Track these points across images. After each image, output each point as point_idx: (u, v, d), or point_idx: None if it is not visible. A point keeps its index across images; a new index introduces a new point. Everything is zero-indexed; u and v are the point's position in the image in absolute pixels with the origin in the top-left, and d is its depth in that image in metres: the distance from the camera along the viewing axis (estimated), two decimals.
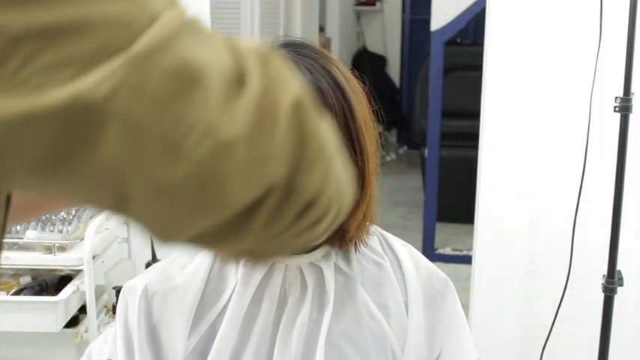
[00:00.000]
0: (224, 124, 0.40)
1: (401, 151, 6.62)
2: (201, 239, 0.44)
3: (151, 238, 0.45)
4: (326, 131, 0.46)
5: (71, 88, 0.36)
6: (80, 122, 0.37)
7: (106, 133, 0.37)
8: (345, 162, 0.49)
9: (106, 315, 2.13)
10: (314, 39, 4.55)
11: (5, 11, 0.35)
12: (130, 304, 0.97)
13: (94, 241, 2.00)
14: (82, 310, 2.06)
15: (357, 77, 0.91)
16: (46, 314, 1.93)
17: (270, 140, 0.42)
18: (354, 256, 0.99)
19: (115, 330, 0.98)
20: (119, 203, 0.41)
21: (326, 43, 5.30)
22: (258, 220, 0.43)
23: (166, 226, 0.43)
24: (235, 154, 0.40)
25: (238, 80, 0.42)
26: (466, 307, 1.65)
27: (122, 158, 0.38)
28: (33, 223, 2.04)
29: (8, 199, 0.49)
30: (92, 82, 0.37)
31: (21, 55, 0.36)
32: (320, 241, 0.50)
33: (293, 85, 0.44)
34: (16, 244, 2.01)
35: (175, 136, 0.39)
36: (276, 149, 0.42)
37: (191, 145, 0.39)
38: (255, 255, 0.51)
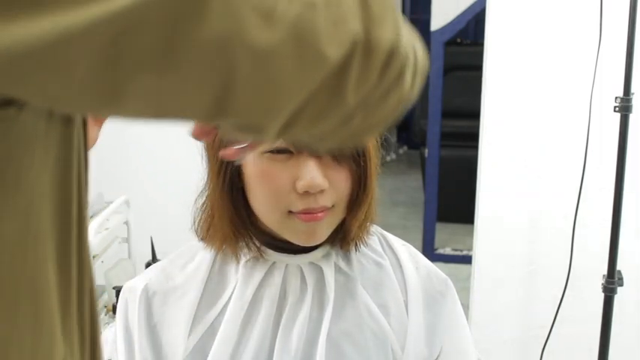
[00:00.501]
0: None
1: (401, 151, 6.62)
2: (302, 118, 0.46)
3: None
4: None
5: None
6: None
7: (209, 7, 0.39)
8: (408, 28, 0.52)
9: (106, 315, 2.13)
10: None
11: None
12: (130, 304, 0.97)
13: (94, 241, 2.00)
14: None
15: None
16: None
17: (340, 2, 0.44)
18: (354, 255, 0.99)
19: (115, 330, 0.98)
20: (225, 87, 0.42)
21: None
22: (351, 78, 0.45)
23: (269, 101, 0.44)
24: (319, 13, 0.43)
25: None
26: (466, 307, 1.65)
27: (226, 31, 0.40)
28: None
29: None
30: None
31: None
32: (407, 103, 0.52)
33: None
34: None
35: (269, 1, 0.41)
36: (347, 7, 0.45)
37: (283, 7, 0.41)
38: (354, 135, 0.52)
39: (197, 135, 0.80)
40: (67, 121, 0.48)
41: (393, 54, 0.47)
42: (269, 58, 0.42)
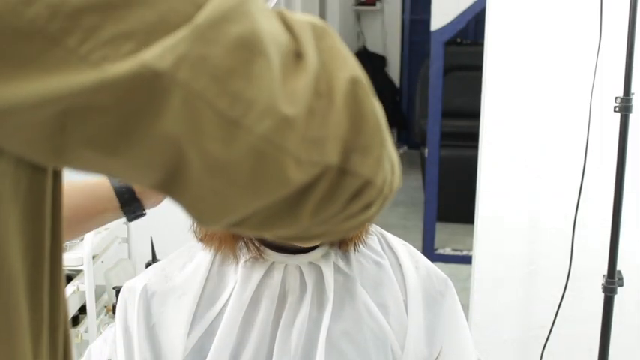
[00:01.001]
0: (284, 101, 0.39)
1: (401, 151, 6.61)
2: (249, 223, 0.43)
3: (191, 220, 0.45)
4: (380, 109, 0.44)
5: (135, 60, 0.36)
6: (144, 92, 0.37)
7: (169, 105, 0.37)
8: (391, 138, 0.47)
9: (106, 315, 2.13)
10: None
11: None
12: (129, 304, 0.97)
13: (94, 241, 2.00)
14: (82, 310, 2.06)
15: None
16: None
17: (325, 121, 0.40)
18: (353, 255, 0.99)
19: (114, 330, 0.98)
20: (171, 179, 0.40)
21: None
22: (310, 202, 0.42)
23: (216, 205, 0.41)
24: (293, 133, 0.39)
25: (295, 55, 0.41)
26: (466, 307, 1.65)
27: (182, 131, 0.38)
28: None
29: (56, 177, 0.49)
30: (156, 53, 0.36)
31: (81, 29, 0.36)
32: (368, 224, 0.49)
33: (349, 61, 0.43)
34: None
35: (236, 111, 0.38)
36: (332, 130, 0.41)
37: (251, 121, 0.38)
38: (301, 239, 0.49)
39: None
40: (38, 167, 0.46)
41: (365, 188, 0.43)
42: (223, 170, 0.39)
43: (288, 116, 0.39)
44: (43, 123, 0.37)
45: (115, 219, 0.86)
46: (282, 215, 0.43)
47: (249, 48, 0.38)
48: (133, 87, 0.36)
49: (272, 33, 0.40)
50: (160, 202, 0.87)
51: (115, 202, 0.84)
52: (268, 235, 0.49)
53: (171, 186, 0.41)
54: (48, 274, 0.48)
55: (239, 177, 0.40)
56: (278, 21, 0.41)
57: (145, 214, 0.87)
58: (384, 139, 0.44)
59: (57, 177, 0.49)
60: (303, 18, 0.44)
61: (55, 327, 0.50)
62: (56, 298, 0.49)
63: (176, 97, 0.37)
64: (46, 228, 0.47)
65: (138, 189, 0.84)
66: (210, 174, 0.39)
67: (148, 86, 0.36)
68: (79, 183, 0.85)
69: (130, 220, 0.86)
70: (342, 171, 0.41)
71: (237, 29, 0.38)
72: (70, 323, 0.53)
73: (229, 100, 0.38)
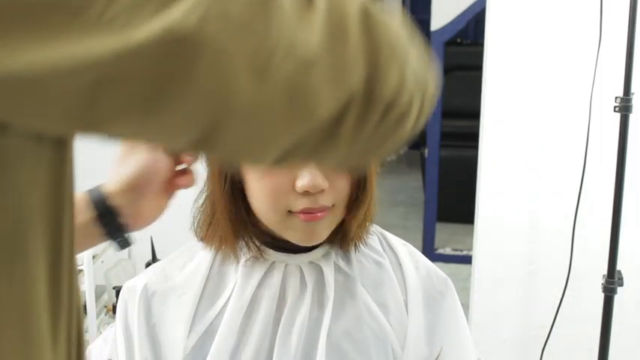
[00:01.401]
0: (303, 40, 0.41)
1: (401, 151, 6.62)
2: (293, 157, 0.45)
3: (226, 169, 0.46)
4: (397, 28, 0.47)
5: (159, 23, 0.37)
6: (175, 53, 0.38)
7: (198, 63, 0.38)
8: (420, 51, 0.49)
9: (106, 315, 2.13)
10: None
11: None
12: (129, 304, 0.97)
13: None
14: (82, 310, 2.06)
15: None
16: None
17: (343, 51, 0.43)
18: (353, 255, 0.99)
19: (114, 330, 0.98)
20: (207, 136, 0.41)
21: None
22: (345, 128, 0.44)
23: (256, 146, 0.44)
24: (316, 67, 0.42)
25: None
26: (466, 307, 1.65)
27: (213, 86, 0.39)
28: None
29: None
30: (180, 13, 0.37)
31: None
32: (409, 136, 0.51)
33: None
34: None
35: (261, 57, 0.40)
36: (351, 57, 0.43)
37: (276, 64, 0.40)
38: (350, 163, 0.52)
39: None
40: (60, 142, 0.47)
41: (394, 103, 0.46)
42: (257, 113, 0.41)
43: (308, 54, 0.41)
44: (76, 93, 0.37)
45: (94, 237, 0.79)
46: (322, 145, 0.45)
47: None
48: (161, 50, 0.37)
49: None
50: (142, 216, 0.82)
51: (92, 211, 0.78)
52: (318, 164, 0.49)
53: (208, 143, 0.42)
54: (68, 259, 0.49)
55: (272, 118, 0.42)
56: None
57: (128, 237, 0.80)
58: (405, 58, 0.47)
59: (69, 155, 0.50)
60: None
61: (71, 312, 0.50)
62: (72, 284, 0.50)
63: (204, 55, 0.38)
64: (67, 210, 0.48)
65: (113, 195, 0.79)
66: (244, 121, 0.41)
67: (176, 48, 0.37)
68: None
69: (112, 237, 0.80)
70: (367, 94, 0.44)
71: None
72: (82, 311, 0.54)
73: (254, 46, 0.40)
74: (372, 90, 0.44)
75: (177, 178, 0.81)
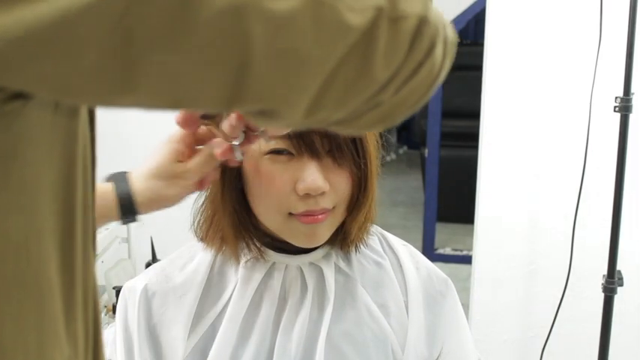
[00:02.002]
0: None
1: (401, 151, 6.62)
2: (330, 92, 0.43)
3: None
4: None
5: None
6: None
7: None
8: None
9: (106, 315, 2.13)
10: None
11: None
12: (129, 304, 0.97)
13: None
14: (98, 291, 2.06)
15: None
16: None
17: None
18: (354, 256, 0.99)
19: (114, 330, 0.98)
20: (243, 63, 0.39)
21: None
22: (378, 48, 0.43)
23: (292, 72, 0.41)
24: None
25: None
26: (466, 307, 1.65)
27: (240, 6, 0.38)
28: None
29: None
30: None
31: None
32: (438, 82, 0.49)
33: None
34: None
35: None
36: None
37: None
38: (384, 116, 0.49)
39: (181, 123, 0.80)
40: (73, 114, 0.46)
41: (422, 23, 0.45)
42: (287, 26, 0.40)
43: None
44: (107, 30, 0.35)
45: (107, 221, 0.86)
46: (357, 72, 0.43)
47: None
48: None
49: None
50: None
51: (116, 211, 0.84)
52: (347, 115, 0.47)
53: (240, 91, 0.40)
54: (81, 237, 0.49)
55: (304, 31, 0.40)
56: None
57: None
58: None
59: (91, 131, 0.49)
60: None
61: (87, 291, 0.50)
62: (88, 263, 0.50)
63: None
64: (79, 189, 0.48)
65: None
66: (277, 37, 0.39)
67: None
68: None
69: (124, 221, 0.86)
70: (394, 10, 0.43)
71: None
72: (98, 290, 0.54)
73: None
74: (397, 8, 0.43)
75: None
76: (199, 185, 0.86)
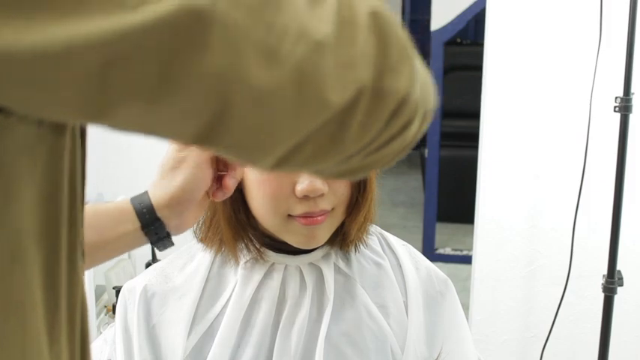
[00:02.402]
0: (314, 26, 0.41)
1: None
2: (300, 156, 0.44)
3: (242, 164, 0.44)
4: (405, 36, 0.47)
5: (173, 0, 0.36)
6: (186, 31, 0.37)
7: (211, 40, 0.37)
8: (423, 64, 0.49)
9: (106, 315, 2.13)
10: None
11: None
12: (129, 304, 0.97)
13: None
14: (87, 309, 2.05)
15: None
16: None
17: (353, 44, 0.42)
18: (353, 256, 0.99)
19: (114, 330, 0.98)
20: (217, 122, 0.40)
21: None
22: (354, 124, 0.43)
23: (264, 139, 0.42)
24: (327, 56, 0.41)
25: None
26: (466, 307, 1.65)
27: (225, 65, 0.38)
28: None
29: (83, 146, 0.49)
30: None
31: None
32: (409, 149, 0.51)
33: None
34: None
35: (272, 40, 0.39)
36: (361, 52, 0.43)
37: (287, 48, 0.40)
38: (351, 172, 0.50)
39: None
40: (59, 130, 0.45)
41: (403, 104, 0.45)
42: (267, 99, 0.40)
43: (319, 40, 0.41)
44: (87, 74, 0.36)
45: (139, 243, 0.84)
46: (329, 142, 0.44)
47: None
48: (175, 27, 0.36)
49: None
50: (185, 226, 0.85)
51: (136, 222, 0.82)
52: (321, 170, 0.49)
53: (217, 130, 0.41)
54: (66, 257, 0.48)
55: (282, 104, 0.41)
56: None
57: (171, 240, 0.84)
58: (412, 60, 0.46)
59: (82, 146, 0.49)
60: None
61: (73, 310, 0.49)
62: (74, 281, 0.49)
63: (217, 32, 0.38)
64: (64, 206, 0.47)
65: (158, 208, 0.82)
66: (255, 106, 0.40)
67: (190, 24, 0.37)
68: (99, 206, 0.84)
69: (156, 244, 0.84)
70: (377, 89, 0.44)
71: None
72: (87, 307, 0.53)
73: (265, 28, 0.39)
74: (381, 87, 0.44)
75: (217, 188, 0.84)
76: (219, 190, 0.84)
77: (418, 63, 0.48)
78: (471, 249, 2.52)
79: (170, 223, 0.82)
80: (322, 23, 0.41)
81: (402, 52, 0.45)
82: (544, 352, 2.03)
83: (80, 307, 0.51)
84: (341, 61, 0.42)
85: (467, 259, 3.28)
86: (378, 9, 0.44)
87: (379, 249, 1.02)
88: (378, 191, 0.96)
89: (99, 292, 2.12)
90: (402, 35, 0.46)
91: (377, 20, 0.44)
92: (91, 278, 1.96)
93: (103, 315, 2.12)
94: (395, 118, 0.45)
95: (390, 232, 1.08)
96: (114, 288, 2.04)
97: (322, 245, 0.95)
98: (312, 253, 0.96)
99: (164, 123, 0.41)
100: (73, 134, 0.48)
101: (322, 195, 0.87)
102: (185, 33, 0.37)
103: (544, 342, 2.02)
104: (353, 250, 0.98)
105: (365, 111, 0.43)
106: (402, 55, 0.45)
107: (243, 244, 0.94)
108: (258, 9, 0.39)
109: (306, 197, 0.87)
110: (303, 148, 0.44)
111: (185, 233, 1.00)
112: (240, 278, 0.95)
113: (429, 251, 3.86)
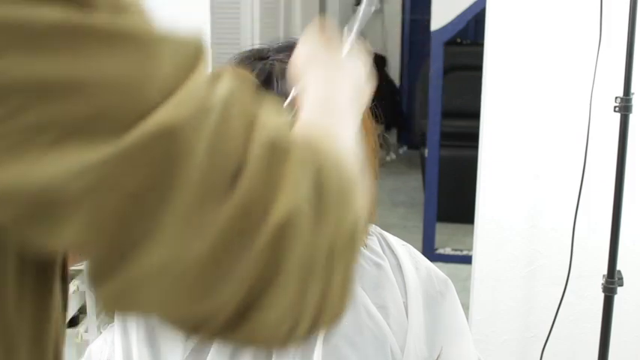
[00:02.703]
0: (185, 241, 0.35)
1: (401, 151, 6.61)
2: (204, 328, 0.41)
3: None
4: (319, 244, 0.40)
5: (48, 165, 0.33)
6: (42, 210, 0.34)
7: (69, 222, 0.34)
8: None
9: (106, 315, 2.13)
10: None
11: (4, 56, 0.32)
12: None
13: None
14: (82, 310, 2.06)
15: None
16: None
17: (236, 265, 0.36)
18: None
19: (113, 331, 0.98)
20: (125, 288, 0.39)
21: None
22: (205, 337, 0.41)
23: (175, 303, 0.39)
24: (188, 274, 0.36)
25: (233, 176, 0.36)
26: (466, 307, 1.64)
27: (85, 236, 0.35)
28: None
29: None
30: (64, 169, 0.33)
31: (7, 106, 0.32)
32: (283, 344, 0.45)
33: (293, 191, 0.37)
34: None
35: (128, 241, 0.35)
36: (239, 274, 0.36)
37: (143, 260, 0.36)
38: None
39: None
40: (47, 268, 0.44)
41: (260, 343, 0.43)
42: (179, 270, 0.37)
43: (184, 264, 0.35)
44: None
45: None
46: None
47: (164, 177, 0.34)
48: (31, 202, 0.35)
49: (214, 151, 0.35)
50: None
51: None
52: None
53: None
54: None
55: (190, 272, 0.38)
56: (242, 130, 0.37)
57: None
58: (304, 291, 0.39)
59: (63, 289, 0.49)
60: (275, 123, 0.39)
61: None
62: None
63: (78, 216, 0.35)
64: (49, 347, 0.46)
65: None
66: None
67: (45, 202, 0.35)
68: None
69: None
70: (234, 323, 0.39)
71: (161, 150, 0.34)
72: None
73: (127, 230, 0.35)
74: (239, 322, 0.39)
75: None
76: None
77: (313, 295, 0.40)
78: (470, 249, 2.52)
79: None
80: (201, 236, 0.36)
81: (287, 285, 0.39)
82: (544, 352, 2.03)
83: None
84: (207, 279, 0.37)
85: (467, 259, 3.28)
86: (297, 212, 0.38)
87: (379, 249, 1.02)
88: (378, 191, 0.96)
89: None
90: (306, 257, 0.39)
91: (284, 233, 0.38)
92: None
93: (103, 315, 2.12)
94: (247, 343, 0.43)
95: (390, 232, 1.07)
96: None
97: None
98: None
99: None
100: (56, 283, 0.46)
101: None
102: (36, 213, 0.35)
103: (544, 342, 2.02)
104: None
105: (212, 332, 0.41)
106: (284, 291, 0.39)
107: None
108: (135, 202, 0.35)
109: None
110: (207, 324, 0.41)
111: None
112: None
113: (429, 251, 3.86)
